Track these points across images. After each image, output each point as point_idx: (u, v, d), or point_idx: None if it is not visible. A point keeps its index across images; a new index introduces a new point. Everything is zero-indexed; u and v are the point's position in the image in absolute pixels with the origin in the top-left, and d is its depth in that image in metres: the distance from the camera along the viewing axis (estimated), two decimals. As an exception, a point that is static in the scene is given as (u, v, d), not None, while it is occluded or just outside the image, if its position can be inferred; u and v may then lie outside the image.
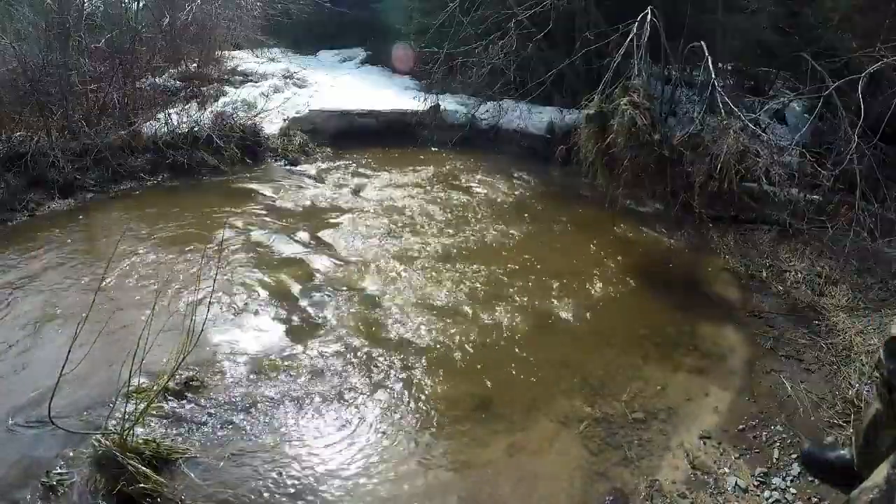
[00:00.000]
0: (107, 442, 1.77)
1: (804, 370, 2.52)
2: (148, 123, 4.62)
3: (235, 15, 7.19)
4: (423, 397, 2.27)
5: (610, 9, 4.61)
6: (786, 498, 1.89)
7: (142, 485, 1.72)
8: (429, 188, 4.47)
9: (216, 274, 2.68)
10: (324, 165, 4.99)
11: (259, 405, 2.18)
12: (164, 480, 1.80)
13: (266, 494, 1.82)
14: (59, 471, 1.84)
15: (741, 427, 2.19)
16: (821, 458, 1.99)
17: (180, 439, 1.99)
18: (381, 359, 2.47)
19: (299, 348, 2.51)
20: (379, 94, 6.08)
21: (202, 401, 2.18)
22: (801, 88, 4.26)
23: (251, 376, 2.32)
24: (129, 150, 4.38)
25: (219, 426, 2.07)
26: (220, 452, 1.95)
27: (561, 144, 4.09)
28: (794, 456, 2.04)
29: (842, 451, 1.96)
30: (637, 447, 2.07)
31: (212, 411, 2.13)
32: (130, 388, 1.91)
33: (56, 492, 1.78)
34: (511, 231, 3.77)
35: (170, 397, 2.16)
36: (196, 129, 4.63)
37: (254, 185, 4.39)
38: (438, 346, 2.58)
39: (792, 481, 1.95)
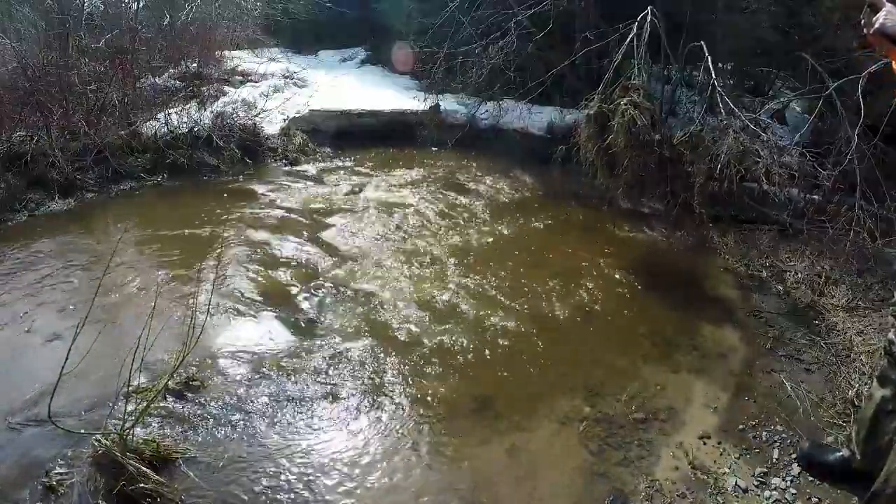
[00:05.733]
0: (107, 442, 1.76)
1: (804, 370, 2.53)
2: (148, 123, 4.62)
3: (235, 15, 7.18)
4: (423, 397, 2.27)
5: (610, 9, 4.61)
6: (786, 498, 1.89)
7: (142, 485, 1.72)
8: (429, 188, 4.47)
9: (216, 273, 2.68)
10: (324, 165, 4.99)
11: (259, 405, 2.18)
12: (164, 480, 1.80)
13: (266, 494, 1.82)
14: (59, 471, 1.84)
15: (741, 427, 2.19)
16: (818, 459, 1.99)
17: (180, 439, 1.99)
18: (381, 359, 2.47)
19: (299, 348, 2.51)
20: (379, 94, 6.07)
21: (202, 400, 2.18)
22: (801, 88, 4.26)
23: (251, 376, 2.32)
24: (129, 150, 4.38)
25: (219, 426, 2.07)
26: (220, 452, 1.96)
27: (561, 144, 4.09)
28: (793, 456, 2.05)
29: (839, 452, 1.96)
30: (637, 447, 2.08)
31: (212, 411, 2.13)
32: (130, 388, 1.91)
33: (56, 492, 1.78)
34: (510, 231, 3.77)
35: (170, 397, 2.16)
36: (196, 129, 4.63)
37: (254, 185, 4.39)
38: (439, 345, 2.58)
39: (792, 481, 1.95)
